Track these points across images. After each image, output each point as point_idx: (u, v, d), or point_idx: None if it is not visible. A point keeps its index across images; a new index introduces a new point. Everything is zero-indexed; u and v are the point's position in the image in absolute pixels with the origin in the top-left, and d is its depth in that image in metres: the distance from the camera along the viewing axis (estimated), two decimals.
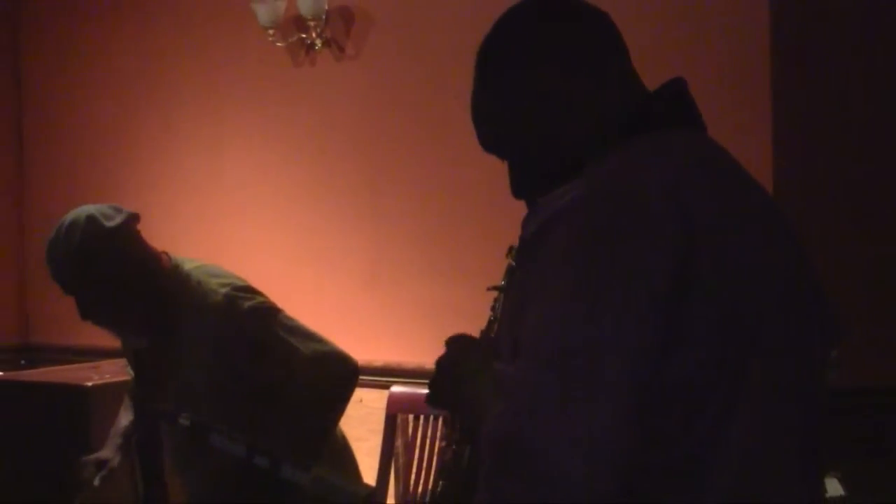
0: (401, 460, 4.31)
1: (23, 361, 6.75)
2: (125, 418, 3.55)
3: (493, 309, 1.98)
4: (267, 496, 3.03)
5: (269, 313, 3.27)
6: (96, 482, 3.33)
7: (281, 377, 3.21)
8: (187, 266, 3.33)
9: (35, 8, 7.09)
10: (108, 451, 3.44)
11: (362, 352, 5.49)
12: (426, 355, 5.32)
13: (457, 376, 1.86)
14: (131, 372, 3.57)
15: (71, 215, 3.22)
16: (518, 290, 1.74)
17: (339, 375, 3.31)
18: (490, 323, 1.97)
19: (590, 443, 1.51)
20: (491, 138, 1.94)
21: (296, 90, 6.00)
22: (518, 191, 1.92)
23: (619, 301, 1.55)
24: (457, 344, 1.93)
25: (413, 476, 4.16)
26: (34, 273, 6.66)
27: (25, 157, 7.16)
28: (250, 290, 3.29)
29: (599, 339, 1.54)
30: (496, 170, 2.00)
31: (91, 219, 3.18)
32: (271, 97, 6.10)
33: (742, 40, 4.74)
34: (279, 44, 5.89)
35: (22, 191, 7.11)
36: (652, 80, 1.90)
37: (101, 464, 3.39)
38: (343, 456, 3.52)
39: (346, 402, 3.33)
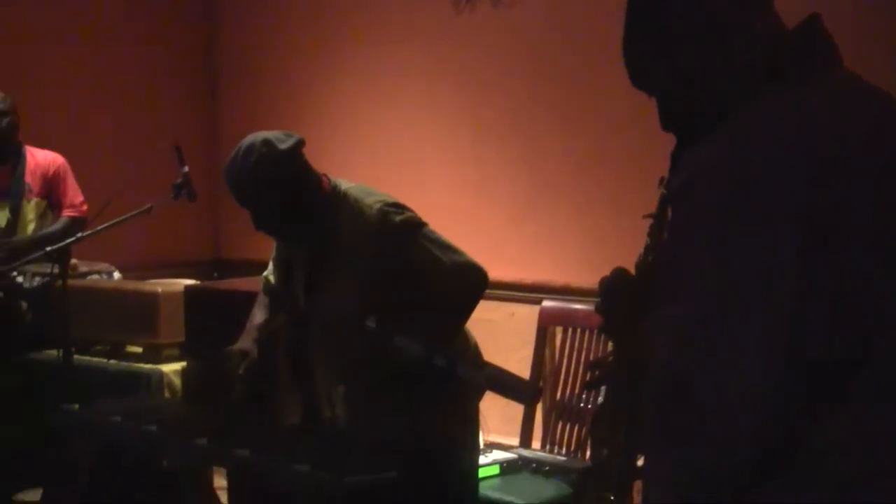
0: (547, 368, 4.32)
1: (215, 273, 6.94)
2: (260, 315, 3.63)
3: (648, 235, 1.95)
4: (443, 393, 3.11)
5: (416, 226, 3.33)
6: (241, 371, 3.42)
7: (423, 281, 3.26)
8: (344, 186, 3.41)
9: None
10: (247, 344, 3.53)
11: (515, 271, 5.52)
12: (573, 274, 5.37)
13: (622, 310, 1.84)
14: (271, 277, 3.65)
15: (248, 139, 3.32)
16: (668, 241, 1.71)
17: (473, 282, 3.35)
18: (647, 248, 1.94)
19: (754, 387, 1.48)
20: (640, 75, 1.89)
21: (457, 35, 5.98)
22: (667, 124, 1.87)
23: (761, 257, 1.51)
24: (618, 279, 1.91)
25: (561, 382, 4.16)
26: (225, 198, 6.81)
27: (218, 94, 7.30)
28: (400, 206, 3.36)
29: (749, 294, 1.50)
30: (646, 104, 1.96)
31: (266, 142, 3.27)
32: (435, 41, 6.10)
33: None
34: None
35: (215, 125, 7.26)
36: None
37: (243, 354, 3.48)
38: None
39: (476, 304, 3.39)
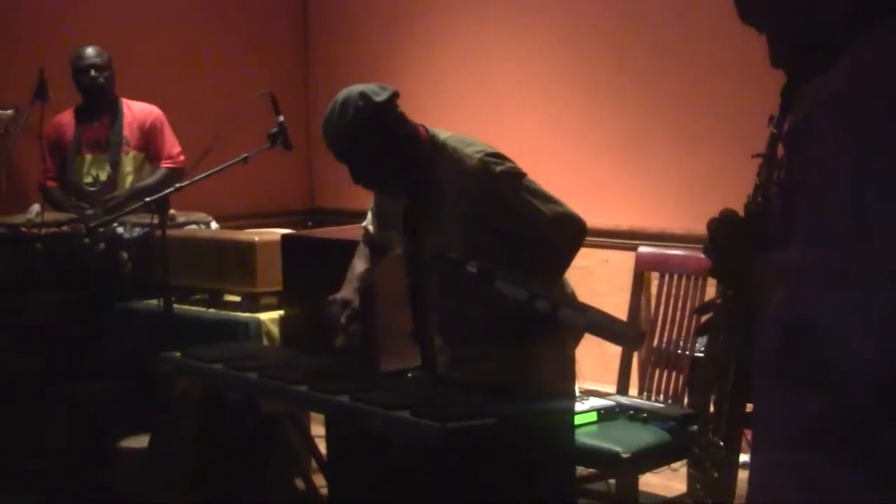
0: (642, 315, 4.27)
1: (310, 222, 6.99)
2: (360, 265, 3.64)
3: (758, 175, 1.88)
4: (544, 338, 3.10)
5: (516, 177, 3.30)
6: (343, 319, 3.43)
7: (523, 232, 3.24)
8: (442, 136, 3.39)
9: None
10: (349, 293, 3.53)
11: (609, 217, 5.46)
12: (669, 220, 5.28)
13: (733, 252, 1.78)
14: (370, 228, 3.65)
15: (343, 93, 3.30)
16: (788, 179, 1.64)
17: (573, 233, 3.32)
18: (756, 188, 1.87)
19: (881, 328, 1.41)
20: (749, 10, 1.81)
21: None
22: (777, 61, 1.80)
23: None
24: (727, 221, 1.84)
25: (658, 328, 4.11)
26: (319, 148, 6.81)
27: (311, 41, 7.29)
28: (500, 156, 3.33)
29: (881, 228, 1.43)
30: (752, 40, 1.88)
31: (362, 95, 3.26)
32: None
33: None
34: None
35: (307, 74, 7.26)
36: None
37: (345, 303, 3.49)
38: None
39: (574, 255, 3.36)
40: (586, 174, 5.70)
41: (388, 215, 3.54)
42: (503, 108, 6.12)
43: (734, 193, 2.05)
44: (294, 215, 6.99)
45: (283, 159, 4.87)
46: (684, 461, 3.75)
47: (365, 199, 3.69)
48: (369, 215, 3.67)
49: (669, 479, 4.24)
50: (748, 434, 1.74)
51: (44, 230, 4.93)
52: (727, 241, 1.81)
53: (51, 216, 5.14)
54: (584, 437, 3.56)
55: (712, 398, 1.89)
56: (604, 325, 2.56)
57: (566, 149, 5.84)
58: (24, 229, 4.95)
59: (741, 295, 1.79)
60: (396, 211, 3.47)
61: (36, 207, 5.09)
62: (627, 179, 5.61)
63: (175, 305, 4.15)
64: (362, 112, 3.22)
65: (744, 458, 1.77)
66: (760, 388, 1.62)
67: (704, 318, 1.98)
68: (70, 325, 4.88)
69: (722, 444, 1.86)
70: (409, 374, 3.62)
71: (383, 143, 3.27)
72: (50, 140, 5.51)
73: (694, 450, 1.90)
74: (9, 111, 5.17)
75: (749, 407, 1.81)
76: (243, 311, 4.46)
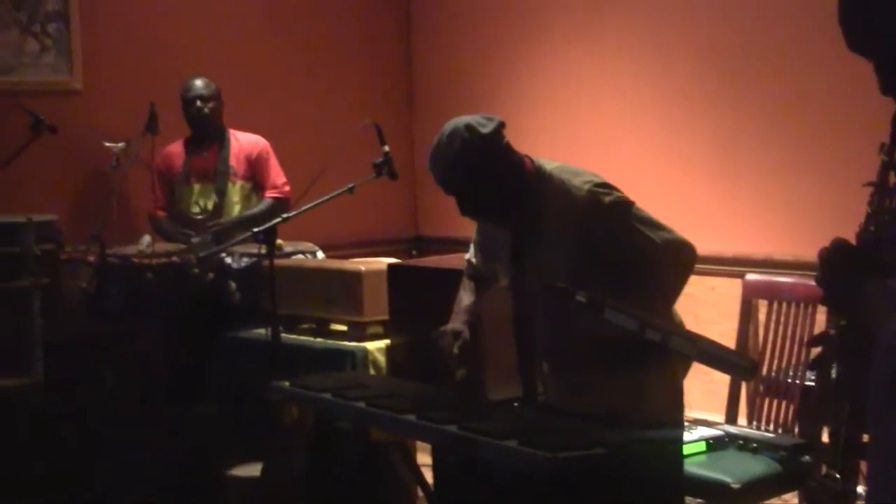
0: (751, 343, 4.24)
1: (413, 251, 7.05)
2: (467, 297, 3.66)
3: (869, 204, 1.88)
4: (654, 368, 3.10)
5: (626, 206, 3.30)
6: (455, 350, 3.46)
7: (634, 260, 3.24)
8: (548, 167, 3.40)
9: None
10: (459, 325, 3.56)
11: (715, 244, 5.42)
12: (775, 246, 5.22)
13: (846, 282, 1.79)
14: (474, 260, 3.68)
15: (450, 125, 3.32)
16: None
17: (684, 260, 3.32)
18: (868, 217, 1.87)
19: None
20: (857, 38, 1.82)
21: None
22: (885, 88, 1.80)
23: None
24: (839, 250, 1.84)
25: (767, 355, 4.07)
26: (423, 177, 6.89)
27: (414, 69, 7.36)
28: (608, 186, 3.33)
29: None
30: (861, 66, 1.88)
31: (469, 127, 3.28)
32: (626, 6, 6.00)
33: None
34: None
35: (412, 102, 7.34)
36: None
37: (456, 334, 3.52)
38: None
39: (686, 282, 3.35)
40: (689, 200, 5.67)
41: (492, 247, 3.56)
42: (608, 134, 6.12)
43: (839, 220, 2.05)
44: (398, 244, 7.06)
45: (387, 188, 4.93)
46: (795, 492, 3.72)
47: (468, 228, 3.72)
48: (472, 248, 3.70)
49: None
50: (863, 465, 1.74)
51: (154, 260, 5.05)
52: (840, 270, 1.82)
53: (161, 247, 5.26)
54: (692, 467, 3.54)
55: (825, 429, 1.89)
56: (716, 355, 2.56)
57: (669, 174, 5.82)
58: (135, 260, 5.08)
59: (854, 324, 1.79)
60: (500, 243, 3.50)
61: (147, 238, 5.22)
62: (731, 205, 5.57)
63: (282, 334, 4.22)
64: (469, 144, 3.24)
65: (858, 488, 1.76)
66: (878, 417, 1.61)
67: (816, 350, 1.98)
68: (179, 354, 4.99)
69: (839, 476, 1.86)
70: (515, 404, 3.64)
71: (490, 175, 3.28)
72: (160, 170, 5.66)
73: (809, 483, 1.90)
74: (120, 144, 5.31)
75: (865, 437, 1.80)
76: (350, 340, 4.52)
